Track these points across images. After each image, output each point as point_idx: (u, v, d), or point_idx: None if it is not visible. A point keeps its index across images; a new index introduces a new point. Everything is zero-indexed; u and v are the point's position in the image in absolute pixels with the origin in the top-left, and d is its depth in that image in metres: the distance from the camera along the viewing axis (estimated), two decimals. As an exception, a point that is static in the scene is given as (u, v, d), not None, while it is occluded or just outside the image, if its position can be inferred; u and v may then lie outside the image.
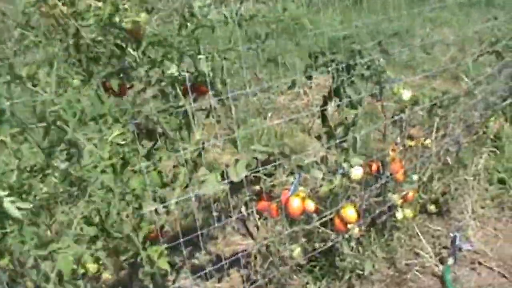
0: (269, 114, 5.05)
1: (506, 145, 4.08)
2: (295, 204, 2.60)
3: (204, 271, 2.64)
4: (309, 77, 2.84)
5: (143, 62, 2.21)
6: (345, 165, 2.74)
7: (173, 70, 2.30)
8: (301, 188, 2.68)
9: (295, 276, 3.05)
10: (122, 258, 2.00)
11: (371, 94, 2.89)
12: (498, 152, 4.12)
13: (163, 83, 2.35)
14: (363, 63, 2.77)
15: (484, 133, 3.74)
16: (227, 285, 3.09)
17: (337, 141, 2.75)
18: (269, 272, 2.80)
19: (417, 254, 3.32)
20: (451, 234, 3.24)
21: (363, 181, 2.84)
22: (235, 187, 2.64)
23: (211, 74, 2.39)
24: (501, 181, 3.97)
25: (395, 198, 3.11)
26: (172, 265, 2.31)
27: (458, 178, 3.61)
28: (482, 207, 3.78)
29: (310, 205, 2.63)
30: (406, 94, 2.92)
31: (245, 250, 2.86)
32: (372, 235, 3.16)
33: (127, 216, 1.85)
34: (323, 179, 2.67)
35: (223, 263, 2.64)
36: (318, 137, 2.89)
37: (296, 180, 2.62)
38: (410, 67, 6.13)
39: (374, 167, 3.05)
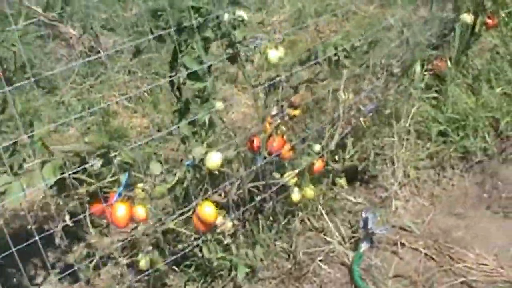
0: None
1: (450, 90, 3.41)
2: (119, 212, 2.06)
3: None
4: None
5: None
6: (196, 153, 2.18)
7: None
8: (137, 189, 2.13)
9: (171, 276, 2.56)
10: None
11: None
12: (441, 98, 3.46)
13: None
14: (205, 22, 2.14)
15: (412, 80, 3.08)
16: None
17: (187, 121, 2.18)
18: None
19: (326, 240, 2.77)
20: (362, 214, 2.68)
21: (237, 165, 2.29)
22: (59, 191, 2.13)
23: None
24: (443, 134, 3.34)
25: (283, 178, 2.54)
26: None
27: (379, 141, 3.01)
28: (417, 169, 3.18)
29: (140, 213, 2.08)
30: (273, 54, 2.31)
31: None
32: (261, 223, 2.62)
33: None
34: (162, 174, 2.12)
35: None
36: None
37: (124, 181, 2.08)
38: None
39: (255, 143, 2.49)
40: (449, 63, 3.50)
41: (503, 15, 3.37)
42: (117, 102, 3.78)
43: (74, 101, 3.91)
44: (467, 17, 3.41)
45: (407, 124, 3.11)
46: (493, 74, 3.54)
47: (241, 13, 2.27)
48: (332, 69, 2.73)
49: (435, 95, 3.47)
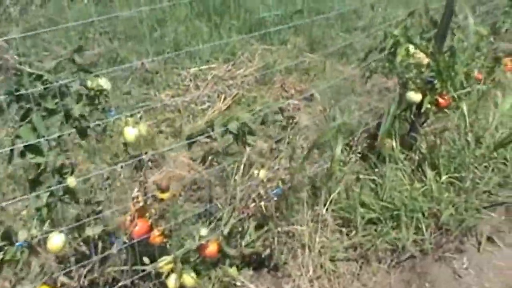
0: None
1: (390, 173, 3.09)
2: None
3: None
4: None
5: None
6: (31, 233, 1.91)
7: None
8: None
9: None
10: None
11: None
12: (379, 182, 3.13)
13: None
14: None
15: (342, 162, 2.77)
16: None
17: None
18: None
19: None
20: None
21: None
22: None
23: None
24: (374, 222, 3.00)
25: (155, 266, 2.26)
26: None
27: (289, 227, 2.70)
28: (336, 260, 2.85)
29: None
30: (130, 132, 2.05)
31: None
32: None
33: None
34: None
35: None
36: None
37: None
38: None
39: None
40: (393, 143, 3.19)
41: (455, 95, 3.04)
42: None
43: None
44: (414, 96, 3.11)
45: (325, 210, 2.78)
46: (441, 160, 3.20)
47: (102, 82, 2.01)
48: (229, 146, 2.45)
49: (374, 177, 3.14)
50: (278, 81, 4.62)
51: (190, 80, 4.51)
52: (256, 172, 2.61)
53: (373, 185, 3.15)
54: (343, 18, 5.46)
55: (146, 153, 2.10)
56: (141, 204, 2.14)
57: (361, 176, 3.12)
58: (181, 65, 4.68)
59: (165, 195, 2.18)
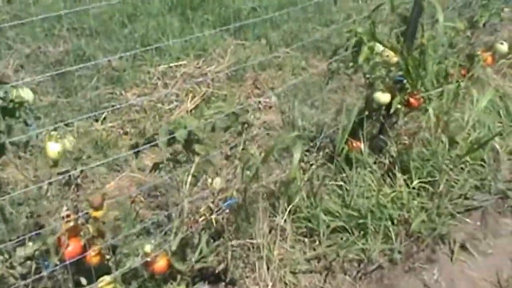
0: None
1: (357, 178, 2.91)
2: None
3: None
4: None
5: None
6: None
7: None
8: None
9: None
10: None
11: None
12: (346, 188, 2.96)
13: None
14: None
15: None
16: None
17: None
18: None
19: None
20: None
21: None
22: None
23: None
24: (340, 231, 2.84)
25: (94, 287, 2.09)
26: None
27: (245, 240, 2.53)
28: (297, 272, 2.68)
29: None
30: (53, 148, 1.87)
31: None
32: None
33: None
34: None
35: None
36: None
37: None
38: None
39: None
40: (362, 147, 3.01)
41: (424, 96, 2.86)
42: None
43: None
44: (382, 96, 2.93)
45: (283, 220, 2.61)
46: (413, 163, 3.03)
47: (23, 93, 1.82)
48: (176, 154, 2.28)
49: (340, 183, 2.97)
50: (250, 77, 4.44)
51: (158, 78, 4.31)
52: (209, 181, 2.44)
53: (340, 191, 2.97)
54: (321, 11, 5.26)
55: (75, 168, 1.91)
56: (72, 223, 1.96)
57: (326, 182, 2.95)
58: (150, 62, 4.48)
59: (98, 213, 2.00)
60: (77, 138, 3.70)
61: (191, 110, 4.04)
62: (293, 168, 2.50)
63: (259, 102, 3.93)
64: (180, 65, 4.49)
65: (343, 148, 2.88)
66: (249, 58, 4.56)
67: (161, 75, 4.37)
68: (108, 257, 2.24)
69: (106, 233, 2.05)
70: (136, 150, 2.32)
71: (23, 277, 1.99)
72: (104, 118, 3.90)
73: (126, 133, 3.89)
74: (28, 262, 2.00)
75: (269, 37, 4.86)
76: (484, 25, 3.54)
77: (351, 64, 2.72)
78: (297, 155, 2.51)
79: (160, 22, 4.96)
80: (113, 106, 3.93)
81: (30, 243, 2.00)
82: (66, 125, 3.68)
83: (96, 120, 3.87)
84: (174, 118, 3.94)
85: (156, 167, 2.40)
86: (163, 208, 3.05)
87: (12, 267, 1.97)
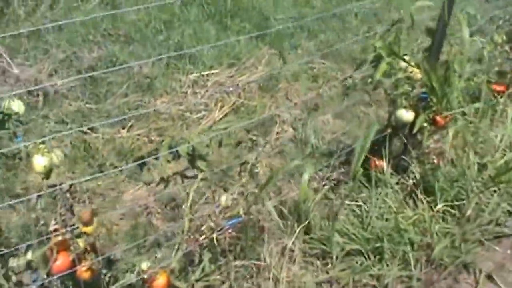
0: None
1: (376, 199, 2.78)
2: None
3: None
4: None
5: None
6: None
7: None
8: None
9: None
10: None
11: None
12: (365, 208, 2.82)
13: None
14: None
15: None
16: None
17: None
18: None
19: None
20: None
21: None
22: None
23: None
24: (355, 254, 2.71)
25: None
26: None
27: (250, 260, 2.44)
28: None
29: None
30: (39, 161, 1.83)
31: None
32: None
33: None
34: None
35: None
36: None
37: None
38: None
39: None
40: (385, 166, 2.87)
41: (447, 114, 2.70)
42: None
43: None
44: (405, 114, 2.78)
45: (291, 242, 2.50)
46: (438, 184, 2.86)
47: (14, 105, 1.80)
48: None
49: (360, 203, 2.83)
50: (283, 88, 4.34)
51: (189, 86, 4.28)
52: (216, 198, 2.38)
53: (358, 211, 2.84)
54: (362, 22, 5.11)
55: (61, 183, 1.88)
56: (60, 238, 1.92)
57: (343, 201, 2.82)
58: (182, 70, 4.45)
59: (88, 229, 1.96)
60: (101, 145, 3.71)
61: (219, 120, 3.98)
62: (302, 189, 2.40)
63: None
64: (212, 73, 4.44)
65: (361, 167, 2.76)
66: (283, 68, 4.46)
67: (192, 84, 4.33)
68: (104, 271, 2.20)
69: (97, 248, 2.00)
70: (141, 161, 2.28)
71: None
72: (131, 126, 3.90)
73: (151, 141, 3.87)
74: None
75: (305, 47, 4.75)
76: (526, 39, 3.32)
77: (369, 80, 2.59)
78: (306, 176, 2.40)
79: (196, 29, 4.93)
80: (140, 113, 3.92)
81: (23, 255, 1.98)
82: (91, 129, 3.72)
83: (123, 128, 3.87)
84: (201, 128, 3.91)
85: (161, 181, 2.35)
86: (177, 221, 3.00)
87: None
